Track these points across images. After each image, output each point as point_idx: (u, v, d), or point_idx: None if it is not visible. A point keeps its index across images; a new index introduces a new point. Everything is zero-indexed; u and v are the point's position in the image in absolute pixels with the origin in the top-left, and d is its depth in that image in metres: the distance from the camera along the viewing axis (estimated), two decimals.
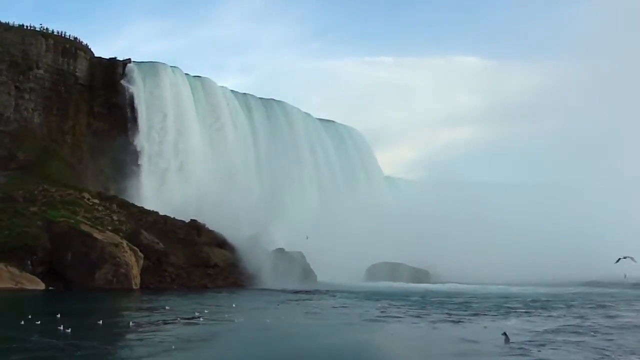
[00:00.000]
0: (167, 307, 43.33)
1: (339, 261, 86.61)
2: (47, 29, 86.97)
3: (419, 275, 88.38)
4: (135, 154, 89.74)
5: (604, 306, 53.50)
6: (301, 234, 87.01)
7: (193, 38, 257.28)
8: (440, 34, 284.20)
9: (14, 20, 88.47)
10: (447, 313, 44.77)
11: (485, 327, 36.30)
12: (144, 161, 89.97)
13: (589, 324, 39.65)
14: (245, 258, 76.36)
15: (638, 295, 68.56)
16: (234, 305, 47.07)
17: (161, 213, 79.49)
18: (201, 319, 36.85)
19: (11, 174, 78.32)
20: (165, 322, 35.94)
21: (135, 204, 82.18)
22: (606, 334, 34.80)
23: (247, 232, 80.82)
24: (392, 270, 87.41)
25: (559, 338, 32.34)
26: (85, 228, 63.89)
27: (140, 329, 32.58)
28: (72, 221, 64.77)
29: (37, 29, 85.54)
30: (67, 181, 78.96)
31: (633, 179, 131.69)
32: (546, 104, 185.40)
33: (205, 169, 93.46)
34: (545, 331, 35.09)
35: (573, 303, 56.22)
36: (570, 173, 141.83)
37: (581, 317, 44.08)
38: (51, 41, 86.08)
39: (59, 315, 36.21)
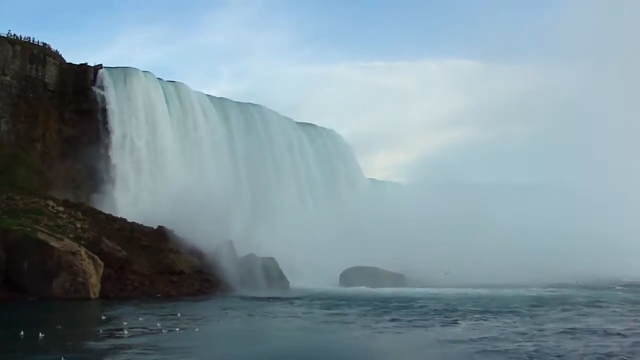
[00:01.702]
0: (103, 317, 42.10)
1: (315, 266, 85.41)
2: (15, 35, 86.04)
3: (395, 279, 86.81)
4: (107, 161, 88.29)
5: (570, 309, 51.98)
6: (278, 239, 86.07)
7: (186, 46, 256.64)
8: (432, 37, 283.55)
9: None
10: (395, 319, 43.48)
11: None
12: (116, 168, 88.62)
13: (536, 328, 38.26)
14: (214, 264, 74.99)
15: (624, 298, 66.05)
16: (178, 315, 45.76)
17: (136, 220, 78.17)
18: (125, 331, 35.47)
19: None
20: (82, 334, 34.80)
21: (108, 211, 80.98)
22: (543, 339, 33.42)
23: (224, 238, 79.73)
24: (366, 274, 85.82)
25: (487, 346, 31.00)
26: (41, 236, 62.56)
27: (49, 341, 31.34)
28: (29, 229, 63.50)
29: (2, 35, 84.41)
30: (34, 189, 77.78)
31: (631, 178, 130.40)
32: (540, 104, 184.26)
33: (179, 175, 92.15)
34: (481, 338, 33.72)
35: (539, 305, 54.75)
36: (565, 173, 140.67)
37: (535, 321, 42.65)
38: (18, 47, 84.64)
39: None
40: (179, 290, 68.80)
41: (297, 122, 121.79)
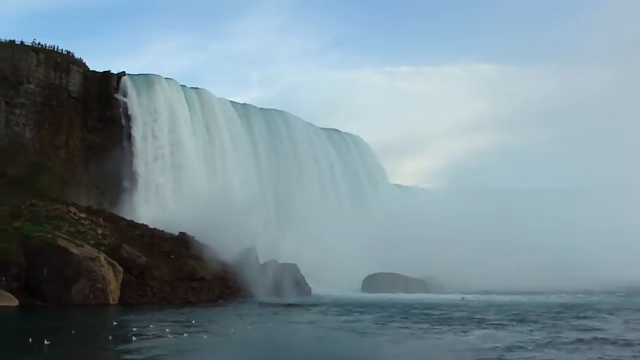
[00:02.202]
0: (114, 323, 41.86)
1: (338, 272, 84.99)
2: (39, 43, 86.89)
3: (417, 285, 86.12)
4: (130, 167, 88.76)
5: (592, 317, 50.64)
6: (302, 245, 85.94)
7: (213, 53, 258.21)
8: (456, 42, 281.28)
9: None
10: (409, 326, 42.65)
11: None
12: (139, 174, 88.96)
13: (553, 337, 37.10)
14: (235, 271, 74.76)
15: None
16: (192, 321, 45.37)
17: (158, 227, 78.09)
18: (133, 338, 35.21)
19: (0, 189, 77.88)
20: (89, 340, 34.73)
21: (130, 217, 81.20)
22: (555, 350, 32.30)
23: (246, 244, 79.54)
24: (389, 280, 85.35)
25: (493, 356, 30.07)
26: (61, 243, 62.78)
27: (53, 348, 31.20)
28: (49, 236, 63.80)
29: (27, 44, 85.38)
30: (58, 196, 78.28)
31: None
32: (566, 108, 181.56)
33: (202, 182, 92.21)
34: (493, 348, 32.77)
35: (562, 313, 53.60)
36: (592, 176, 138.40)
37: (554, 330, 41.40)
38: (42, 55, 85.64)
39: None
40: (199, 296, 68.65)
41: (320, 128, 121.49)
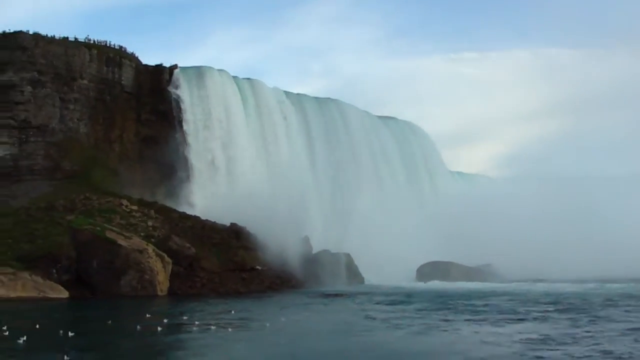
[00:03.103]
0: (147, 315, 41.65)
1: (394, 261, 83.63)
2: (91, 39, 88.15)
3: (472, 274, 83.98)
4: (184, 160, 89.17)
5: None
6: (357, 234, 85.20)
7: (275, 45, 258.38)
8: (525, 26, 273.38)
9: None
10: (447, 317, 41.02)
11: None
12: (192, 166, 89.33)
13: (596, 330, 34.89)
14: (286, 261, 74.43)
15: None
16: (232, 312, 45.04)
17: (211, 218, 78.39)
18: (159, 329, 34.91)
19: (57, 184, 79.73)
20: (116, 332, 34.93)
21: (184, 209, 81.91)
22: (593, 342, 30.26)
23: (300, 234, 79.26)
24: (443, 269, 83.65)
25: (519, 349, 28.37)
26: (110, 235, 63.67)
27: (75, 340, 31.28)
28: (98, 228, 64.70)
29: (80, 40, 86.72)
30: (111, 189, 79.41)
31: None
32: (635, 91, 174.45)
33: (255, 173, 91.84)
34: (524, 339, 30.93)
35: (619, 301, 51.18)
36: None
37: (600, 321, 38.98)
38: (94, 51, 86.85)
39: (37, 326, 35.82)
40: (249, 287, 68.61)
41: (377, 116, 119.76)
